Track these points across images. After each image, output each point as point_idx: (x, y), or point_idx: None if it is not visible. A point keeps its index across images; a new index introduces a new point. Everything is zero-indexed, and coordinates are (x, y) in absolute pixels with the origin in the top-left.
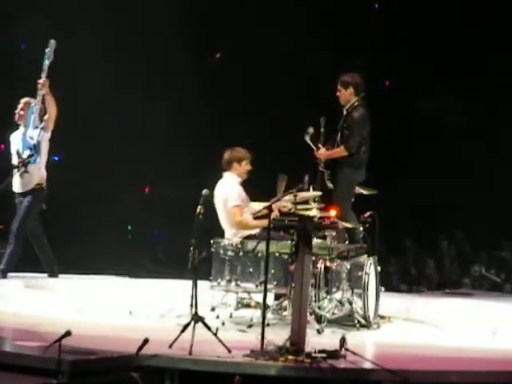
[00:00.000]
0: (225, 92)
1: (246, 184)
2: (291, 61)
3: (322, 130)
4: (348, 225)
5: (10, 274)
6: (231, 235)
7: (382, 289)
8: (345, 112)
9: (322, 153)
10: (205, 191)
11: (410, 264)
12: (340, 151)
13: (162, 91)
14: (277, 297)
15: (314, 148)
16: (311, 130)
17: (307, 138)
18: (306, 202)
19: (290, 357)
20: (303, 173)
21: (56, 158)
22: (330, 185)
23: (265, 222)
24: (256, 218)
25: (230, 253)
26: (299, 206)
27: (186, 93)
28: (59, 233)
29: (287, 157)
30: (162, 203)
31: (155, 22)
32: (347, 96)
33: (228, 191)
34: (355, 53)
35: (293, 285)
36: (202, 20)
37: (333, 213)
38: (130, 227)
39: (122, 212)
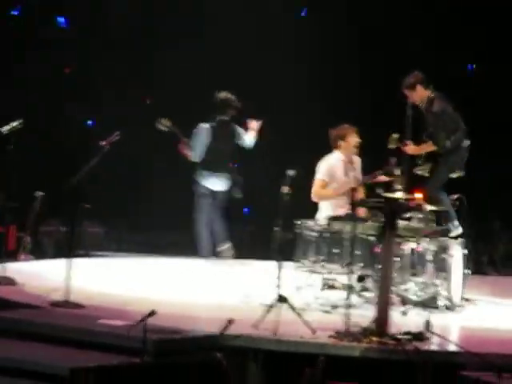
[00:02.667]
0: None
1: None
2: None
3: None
4: (434, 207)
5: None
6: (320, 216)
7: (469, 271)
8: (424, 109)
9: (411, 148)
10: (290, 171)
11: (499, 246)
12: (428, 146)
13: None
14: (360, 278)
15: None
16: (395, 136)
17: (392, 145)
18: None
19: (375, 338)
20: (389, 155)
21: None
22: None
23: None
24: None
25: (315, 234)
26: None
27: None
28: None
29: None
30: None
31: None
32: (419, 95)
33: (320, 165)
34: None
35: (378, 266)
36: None
37: (418, 195)
38: None
39: None
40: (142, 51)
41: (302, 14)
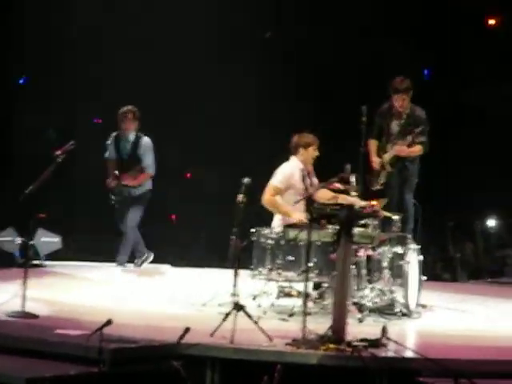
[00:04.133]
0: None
1: (316, 171)
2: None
3: (363, 119)
4: (389, 214)
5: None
6: (275, 223)
7: (424, 278)
8: (406, 115)
9: (404, 149)
10: (246, 180)
11: (452, 252)
12: (418, 150)
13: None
14: (316, 286)
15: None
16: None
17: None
18: (346, 191)
19: (332, 346)
20: (344, 162)
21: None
22: (378, 185)
23: (295, 214)
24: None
25: (271, 241)
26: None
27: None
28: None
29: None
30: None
31: None
32: (408, 100)
33: (278, 171)
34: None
35: (334, 273)
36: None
37: (374, 202)
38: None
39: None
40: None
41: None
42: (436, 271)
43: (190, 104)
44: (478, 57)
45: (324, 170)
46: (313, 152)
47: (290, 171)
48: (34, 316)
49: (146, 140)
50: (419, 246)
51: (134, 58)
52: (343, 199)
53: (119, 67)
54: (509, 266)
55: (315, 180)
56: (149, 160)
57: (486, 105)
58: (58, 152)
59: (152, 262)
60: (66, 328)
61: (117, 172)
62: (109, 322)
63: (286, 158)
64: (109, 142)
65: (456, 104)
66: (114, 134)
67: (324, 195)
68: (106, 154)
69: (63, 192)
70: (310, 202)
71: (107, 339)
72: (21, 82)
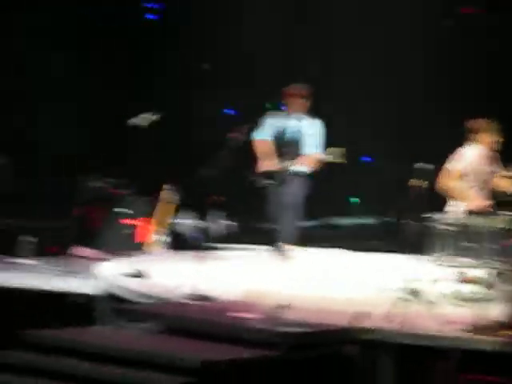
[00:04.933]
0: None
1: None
2: None
3: None
4: None
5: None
6: (452, 209)
7: None
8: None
9: None
10: (419, 165)
11: None
12: None
13: None
14: (495, 272)
15: None
16: None
17: None
18: None
19: (507, 332)
20: None
21: None
22: None
23: (473, 200)
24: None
25: (451, 227)
26: None
27: None
28: None
29: None
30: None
31: None
32: None
33: (456, 156)
34: None
35: (509, 259)
36: None
37: None
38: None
39: None
40: None
41: None
42: None
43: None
44: None
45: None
46: (489, 137)
47: (468, 156)
48: (211, 299)
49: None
50: None
51: None
52: None
53: None
54: None
55: (496, 168)
56: None
57: None
58: (232, 134)
59: (324, 246)
60: (241, 311)
61: None
62: (285, 306)
63: (462, 144)
64: None
65: None
66: None
67: (503, 184)
68: None
69: None
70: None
71: (283, 323)
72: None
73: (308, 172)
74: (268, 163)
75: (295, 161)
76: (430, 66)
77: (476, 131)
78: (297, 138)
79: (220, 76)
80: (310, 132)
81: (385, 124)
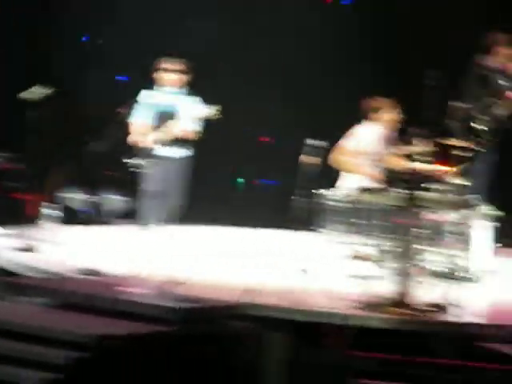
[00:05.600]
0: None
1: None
2: None
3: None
4: (458, 179)
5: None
6: (343, 185)
7: (496, 244)
8: None
9: None
10: (315, 141)
11: None
12: None
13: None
14: (382, 250)
15: None
16: None
17: None
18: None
19: (396, 309)
20: (413, 125)
21: None
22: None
23: (364, 169)
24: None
25: (339, 204)
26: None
27: None
28: None
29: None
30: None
31: None
32: None
33: (351, 134)
34: None
35: (400, 237)
36: None
37: (442, 166)
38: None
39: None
40: None
41: None
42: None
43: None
44: None
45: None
46: (386, 116)
47: (363, 135)
48: (103, 274)
49: None
50: (494, 211)
51: None
52: (410, 165)
53: None
54: None
55: (392, 148)
56: None
57: None
58: (121, 109)
59: (215, 224)
60: (136, 287)
61: None
62: (179, 282)
63: (359, 122)
64: None
65: None
66: None
67: (394, 162)
68: None
69: None
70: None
71: (178, 299)
72: None
73: (187, 153)
74: (143, 142)
75: (170, 135)
76: (327, 42)
77: (375, 110)
78: (171, 113)
79: (114, 51)
80: (185, 107)
81: (282, 100)
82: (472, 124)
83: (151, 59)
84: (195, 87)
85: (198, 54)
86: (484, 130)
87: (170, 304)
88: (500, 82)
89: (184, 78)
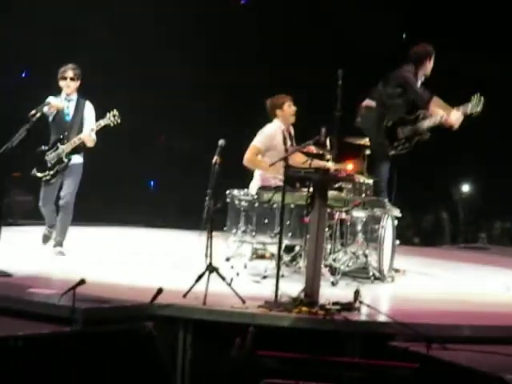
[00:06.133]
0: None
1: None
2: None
3: (339, 83)
4: (364, 178)
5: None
6: (253, 185)
7: (398, 242)
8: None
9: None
10: (221, 141)
11: (426, 217)
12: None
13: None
14: (289, 248)
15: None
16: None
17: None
18: (321, 155)
19: (304, 308)
20: (320, 124)
21: None
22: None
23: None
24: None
25: (245, 203)
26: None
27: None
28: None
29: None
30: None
31: None
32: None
33: (260, 132)
34: None
35: (308, 236)
36: None
37: (349, 166)
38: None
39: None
40: None
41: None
42: (408, 235)
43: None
44: None
45: (299, 133)
46: (288, 109)
47: (271, 132)
48: (8, 274)
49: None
50: (397, 210)
51: None
52: (316, 164)
53: None
54: (483, 232)
55: (293, 142)
56: None
57: None
58: (33, 112)
59: (126, 225)
60: (38, 287)
61: None
62: (82, 282)
63: (269, 120)
64: None
65: None
66: None
67: (298, 159)
68: None
69: None
70: (285, 164)
71: (80, 299)
72: None
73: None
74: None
75: (71, 144)
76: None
77: (279, 106)
78: (69, 120)
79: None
80: (82, 114)
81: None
82: (387, 125)
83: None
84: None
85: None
86: (400, 136)
87: (73, 304)
88: (419, 93)
89: (77, 84)
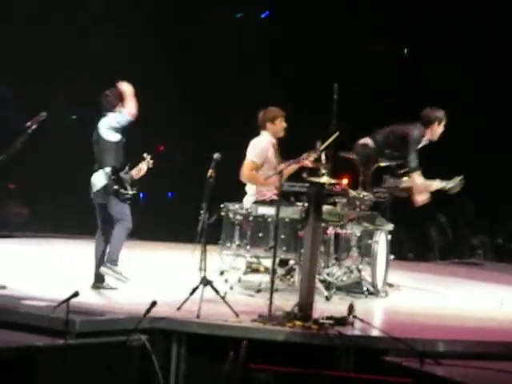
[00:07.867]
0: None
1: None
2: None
3: (335, 97)
4: (357, 193)
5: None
6: (247, 200)
7: (392, 257)
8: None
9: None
10: (216, 155)
11: (419, 232)
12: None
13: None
14: (284, 262)
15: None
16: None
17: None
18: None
19: (298, 323)
20: (315, 139)
21: None
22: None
23: (273, 181)
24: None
25: (239, 217)
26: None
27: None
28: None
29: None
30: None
31: None
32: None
33: (252, 145)
34: None
35: (302, 251)
36: None
37: (344, 181)
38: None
39: None
40: None
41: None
42: (403, 250)
43: None
44: None
45: (294, 147)
46: (279, 124)
47: (265, 146)
48: (1, 286)
49: None
50: (391, 225)
51: None
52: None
53: None
54: (477, 248)
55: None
56: None
57: None
58: (29, 123)
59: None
60: (31, 299)
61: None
62: (75, 294)
63: (257, 134)
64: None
65: None
66: None
67: (291, 172)
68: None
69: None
70: (280, 178)
71: (73, 311)
72: None
73: None
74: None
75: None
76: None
77: (271, 119)
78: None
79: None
80: None
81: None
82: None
83: None
84: None
85: None
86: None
87: (67, 316)
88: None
89: None
